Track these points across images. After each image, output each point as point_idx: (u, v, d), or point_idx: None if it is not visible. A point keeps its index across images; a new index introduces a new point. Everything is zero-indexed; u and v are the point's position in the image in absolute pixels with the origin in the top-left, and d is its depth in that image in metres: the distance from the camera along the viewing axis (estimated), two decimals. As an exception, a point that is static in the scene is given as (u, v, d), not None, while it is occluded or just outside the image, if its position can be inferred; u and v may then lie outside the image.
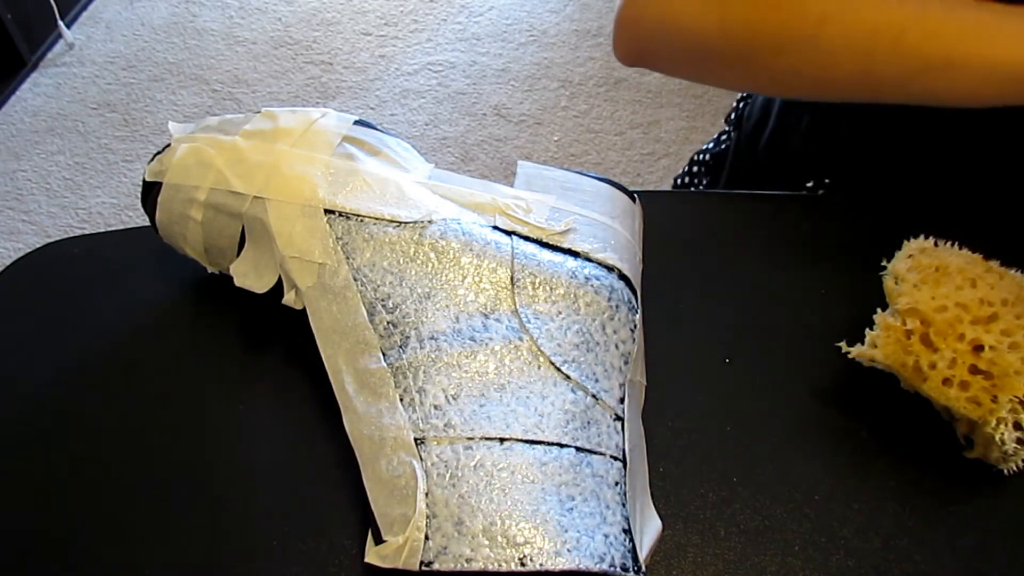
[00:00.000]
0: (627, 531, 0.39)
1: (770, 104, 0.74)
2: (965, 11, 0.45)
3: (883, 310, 0.46)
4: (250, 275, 0.46)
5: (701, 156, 0.84)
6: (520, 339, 0.43)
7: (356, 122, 0.49)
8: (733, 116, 0.80)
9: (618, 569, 0.37)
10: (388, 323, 0.43)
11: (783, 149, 0.72)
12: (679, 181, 0.86)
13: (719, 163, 0.81)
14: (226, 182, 0.46)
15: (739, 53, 0.51)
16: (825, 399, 0.47)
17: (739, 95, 0.81)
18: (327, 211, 0.45)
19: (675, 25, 0.52)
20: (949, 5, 0.46)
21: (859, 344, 0.45)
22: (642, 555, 0.39)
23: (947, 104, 0.49)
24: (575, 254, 0.46)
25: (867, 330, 0.45)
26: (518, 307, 0.44)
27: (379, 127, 0.50)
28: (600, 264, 0.46)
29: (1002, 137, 0.60)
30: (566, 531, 0.37)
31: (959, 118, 0.61)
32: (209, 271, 0.50)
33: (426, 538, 0.36)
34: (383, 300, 0.43)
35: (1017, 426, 0.41)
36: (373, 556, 0.38)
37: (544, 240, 0.46)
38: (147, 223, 0.51)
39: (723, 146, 0.81)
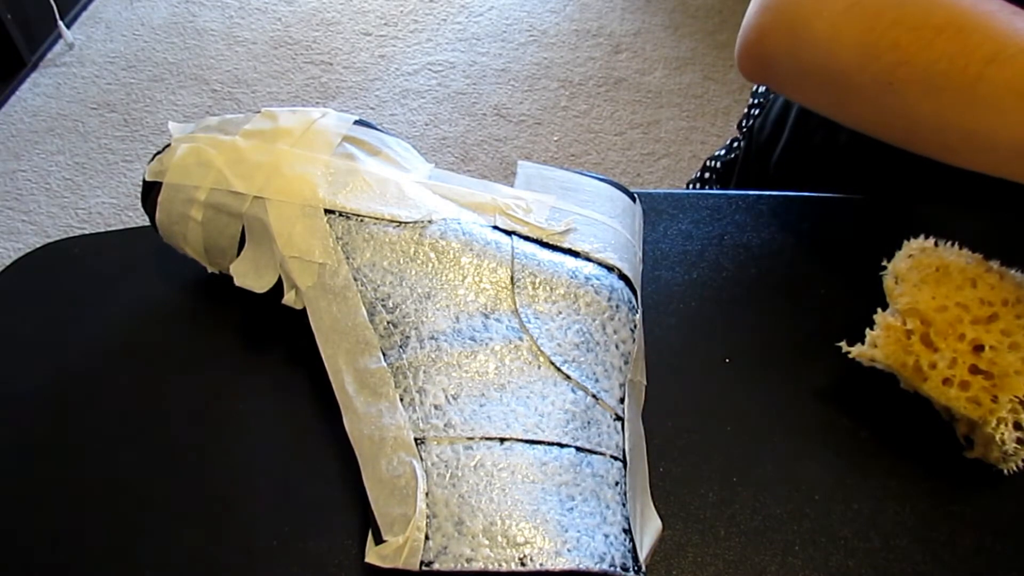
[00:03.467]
0: (627, 531, 0.39)
1: (784, 118, 0.74)
2: None
3: (883, 310, 0.46)
4: (250, 275, 0.46)
5: (712, 163, 0.83)
6: (520, 339, 0.43)
7: (356, 122, 0.49)
8: (744, 125, 0.79)
9: (618, 569, 0.37)
10: (388, 323, 0.43)
11: (796, 165, 0.72)
12: (691, 186, 0.86)
13: (729, 171, 0.81)
14: (226, 182, 0.46)
15: (878, 85, 0.41)
16: (825, 399, 0.47)
17: (748, 101, 0.80)
18: (327, 211, 0.45)
19: (809, 41, 0.43)
20: None
21: (859, 344, 0.45)
22: (642, 555, 0.39)
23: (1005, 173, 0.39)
24: (575, 254, 0.46)
25: (867, 330, 0.45)
26: (518, 307, 0.44)
27: (379, 127, 0.50)
28: (600, 264, 0.46)
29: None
30: (566, 531, 0.37)
31: None
32: (209, 271, 0.50)
33: (426, 538, 0.37)
34: (383, 300, 0.43)
35: (1017, 426, 0.41)
36: (373, 556, 0.38)
37: (544, 240, 0.46)
38: (147, 223, 0.51)
39: (734, 154, 0.81)
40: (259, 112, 0.48)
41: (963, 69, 0.38)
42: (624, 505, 0.39)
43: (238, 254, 0.47)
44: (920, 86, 0.40)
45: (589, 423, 0.41)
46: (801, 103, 0.52)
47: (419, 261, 0.44)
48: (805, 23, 0.43)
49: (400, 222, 0.45)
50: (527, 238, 0.46)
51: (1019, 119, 0.38)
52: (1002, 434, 0.40)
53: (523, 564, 0.36)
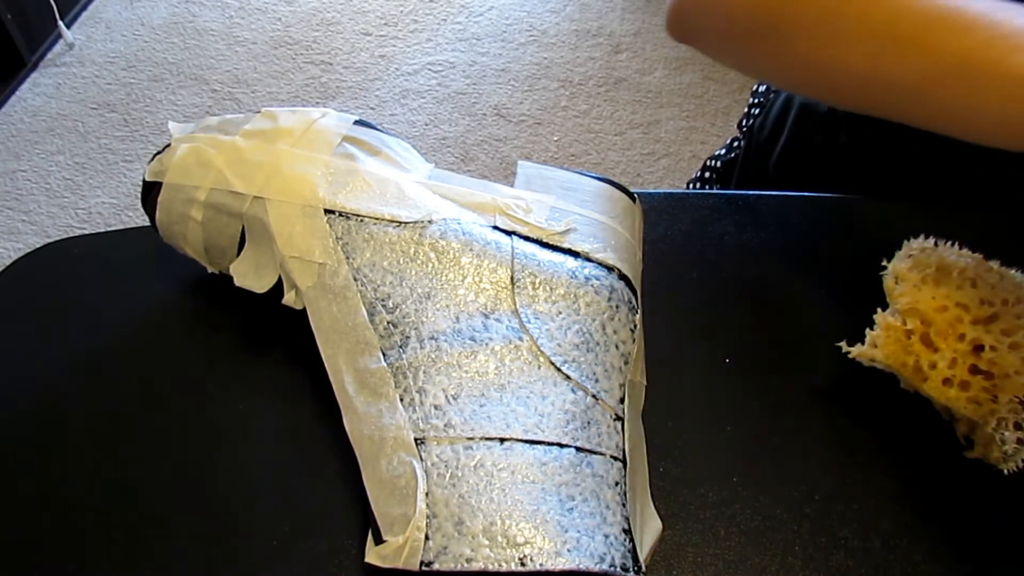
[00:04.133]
0: (627, 531, 0.39)
1: (784, 118, 0.74)
2: (1013, 16, 0.37)
3: (883, 310, 0.46)
4: (250, 275, 0.46)
5: (713, 162, 0.83)
6: (520, 339, 0.43)
7: (356, 122, 0.49)
8: (744, 125, 0.79)
9: (618, 569, 0.37)
10: (388, 323, 0.43)
11: (795, 165, 0.72)
12: (691, 186, 0.86)
13: (729, 171, 0.81)
14: (226, 182, 0.46)
15: (763, 31, 0.46)
16: (825, 399, 0.47)
17: (748, 101, 0.80)
18: (327, 211, 0.45)
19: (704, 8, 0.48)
20: (999, 5, 0.38)
21: (859, 344, 0.45)
22: (642, 555, 0.39)
23: (962, 133, 0.41)
24: (575, 254, 0.46)
25: (867, 330, 0.45)
26: (518, 307, 0.44)
27: (379, 127, 0.50)
28: (600, 264, 0.46)
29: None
30: (566, 531, 0.37)
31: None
32: (209, 271, 0.50)
33: (426, 538, 0.36)
34: (383, 300, 0.43)
35: (1017, 426, 0.41)
36: (373, 556, 0.38)
37: (544, 240, 0.46)
38: (147, 223, 0.51)
39: (734, 154, 0.81)
40: (259, 112, 0.48)
41: (825, 5, 0.42)
42: (624, 505, 0.39)
43: (238, 254, 0.47)
44: (791, 27, 0.44)
45: (589, 423, 0.41)
46: (717, 60, 0.54)
47: (419, 261, 0.44)
48: None
49: (400, 222, 0.45)
50: (527, 238, 0.46)
51: (866, 51, 0.41)
52: (1002, 434, 0.40)
53: (523, 564, 0.36)
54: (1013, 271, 0.46)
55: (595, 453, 0.40)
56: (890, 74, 0.41)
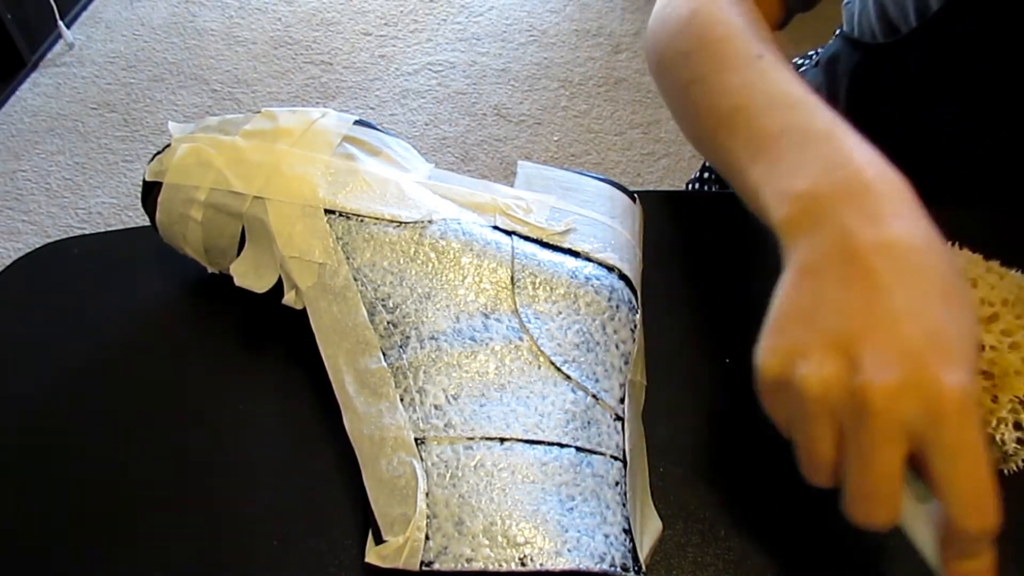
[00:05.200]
0: (627, 531, 0.39)
1: None
2: (775, 115, 0.41)
3: (883, 310, 0.46)
4: (250, 275, 0.46)
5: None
6: (520, 339, 0.43)
7: (356, 122, 0.49)
8: None
9: (618, 569, 0.37)
10: (388, 323, 0.43)
11: None
12: (691, 186, 0.86)
13: None
14: (226, 182, 0.46)
15: (660, 85, 0.53)
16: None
17: None
18: (327, 211, 0.45)
19: (645, 43, 0.56)
20: (777, 100, 0.41)
21: (859, 344, 0.45)
22: (642, 555, 0.39)
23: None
24: (575, 254, 0.46)
25: (867, 330, 0.45)
26: (518, 307, 0.44)
27: (379, 127, 0.50)
28: (600, 264, 0.46)
29: (1002, 137, 0.60)
30: (566, 531, 0.37)
31: (964, 122, 0.61)
32: (209, 271, 0.50)
33: (426, 538, 0.37)
34: (383, 300, 0.43)
35: (1017, 426, 0.41)
36: (373, 556, 0.38)
37: (544, 240, 0.46)
38: (147, 223, 0.51)
39: None
40: (259, 112, 0.48)
41: (679, 86, 0.49)
42: (624, 505, 0.39)
43: (238, 254, 0.47)
44: (667, 94, 0.52)
45: (589, 423, 0.41)
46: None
47: (419, 261, 0.44)
48: (650, 30, 0.54)
49: (400, 222, 0.45)
50: (527, 238, 0.46)
51: (694, 133, 0.49)
52: (1002, 434, 0.40)
53: (523, 564, 0.36)
54: (1013, 271, 0.46)
55: (595, 453, 0.40)
56: (704, 152, 0.48)
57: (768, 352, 0.35)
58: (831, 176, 0.36)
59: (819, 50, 0.77)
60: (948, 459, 0.30)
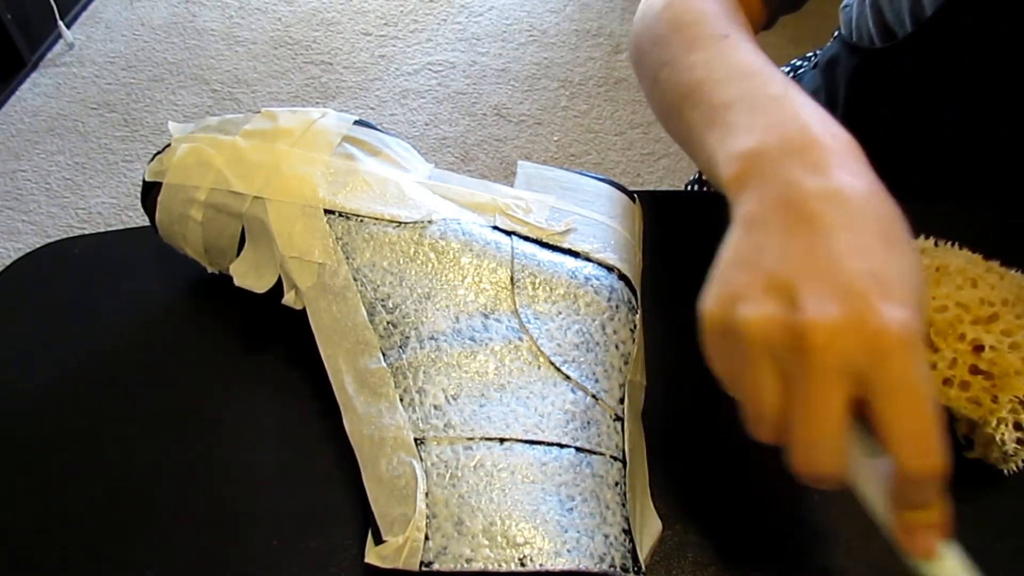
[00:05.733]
0: (627, 531, 0.39)
1: None
2: (732, 85, 0.41)
3: (883, 310, 0.46)
4: (250, 275, 0.46)
5: None
6: (520, 339, 0.43)
7: (356, 122, 0.49)
8: None
9: (618, 569, 0.37)
10: (388, 323, 0.43)
11: None
12: (689, 188, 0.86)
13: None
14: (226, 182, 0.46)
15: (640, 77, 0.54)
16: (825, 399, 0.47)
17: None
18: (327, 211, 0.45)
19: (630, 39, 0.56)
20: (736, 72, 0.42)
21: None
22: (642, 555, 0.39)
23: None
24: (575, 254, 0.46)
25: (867, 330, 0.45)
26: (518, 307, 0.44)
27: (379, 127, 0.50)
28: (600, 264, 0.46)
29: (1002, 137, 0.60)
30: (566, 531, 0.37)
31: (963, 123, 0.61)
32: (209, 271, 0.50)
33: (426, 538, 0.36)
34: (383, 300, 0.43)
35: (1017, 426, 0.41)
36: (373, 556, 0.38)
37: (544, 240, 0.46)
38: (147, 223, 0.51)
39: None
40: (259, 112, 0.48)
41: (651, 70, 0.50)
42: (624, 505, 0.39)
43: (238, 254, 0.47)
44: (643, 79, 0.53)
45: (589, 423, 0.41)
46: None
47: (419, 261, 0.44)
48: (633, 30, 0.55)
49: (400, 222, 0.45)
50: (527, 238, 0.46)
51: (659, 108, 0.50)
52: (1002, 434, 0.40)
53: (523, 564, 0.36)
54: (1013, 271, 0.46)
55: (595, 453, 0.40)
56: (671, 131, 0.49)
57: (710, 299, 0.34)
58: (777, 133, 0.36)
59: (818, 52, 0.77)
60: (890, 397, 0.29)
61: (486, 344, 0.42)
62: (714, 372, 0.35)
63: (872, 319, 0.29)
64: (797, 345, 0.30)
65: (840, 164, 0.34)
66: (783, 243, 0.32)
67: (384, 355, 0.42)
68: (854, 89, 0.67)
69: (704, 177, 0.84)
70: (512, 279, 0.44)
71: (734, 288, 0.33)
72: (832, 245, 0.31)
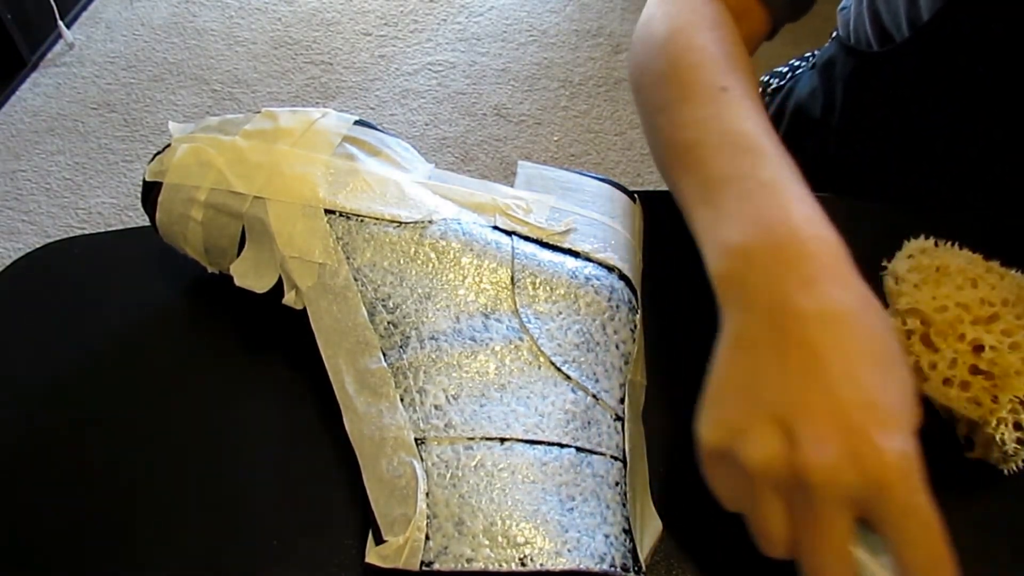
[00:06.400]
0: (627, 531, 0.39)
1: (778, 124, 0.74)
2: (725, 160, 0.41)
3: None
4: (250, 275, 0.46)
5: None
6: (520, 339, 0.43)
7: (356, 122, 0.49)
8: None
9: (618, 569, 0.37)
10: (388, 323, 0.43)
11: None
12: None
13: None
14: (226, 182, 0.46)
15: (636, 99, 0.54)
16: (825, 399, 0.47)
17: None
18: (327, 211, 0.45)
19: (630, 59, 0.55)
20: (729, 142, 0.42)
21: (859, 344, 0.45)
22: (642, 555, 0.39)
23: None
24: (575, 254, 0.46)
25: (867, 330, 0.45)
26: (518, 307, 0.44)
27: (379, 127, 0.50)
28: (600, 264, 0.46)
29: (1000, 138, 0.60)
30: (566, 531, 0.37)
31: (961, 125, 0.61)
32: (209, 271, 0.50)
33: (426, 538, 0.37)
34: (383, 300, 0.43)
35: (1017, 426, 0.41)
36: (373, 556, 0.38)
37: (544, 240, 0.46)
38: (147, 223, 0.51)
39: None
40: (259, 112, 0.48)
41: (649, 114, 0.50)
42: (624, 505, 0.39)
43: (238, 254, 0.47)
44: (642, 114, 0.52)
45: (589, 423, 0.41)
46: None
47: (419, 261, 0.44)
48: (631, 51, 0.55)
49: (400, 222, 0.45)
50: (527, 238, 0.46)
51: (658, 156, 0.49)
52: (1002, 434, 0.40)
53: (523, 564, 0.36)
54: (1013, 271, 0.46)
55: (595, 453, 0.40)
56: (668, 186, 0.47)
57: (708, 425, 0.35)
58: (766, 233, 0.37)
59: (816, 52, 0.77)
60: (897, 525, 0.30)
61: (486, 344, 0.42)
62: (714, 492, 0.36)
63: (871, 454, 0.30)
64: (800, 484, 0.31)
65: (831, 277, 0.35)
66: (777, 370, 0.33)
67: (384, 355, 0.42)
68: (851, 91, 0.67)
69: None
70: (512, 279, 0.44)
71: (731, 416, 0.34)
72: (827, 375, 0.32)
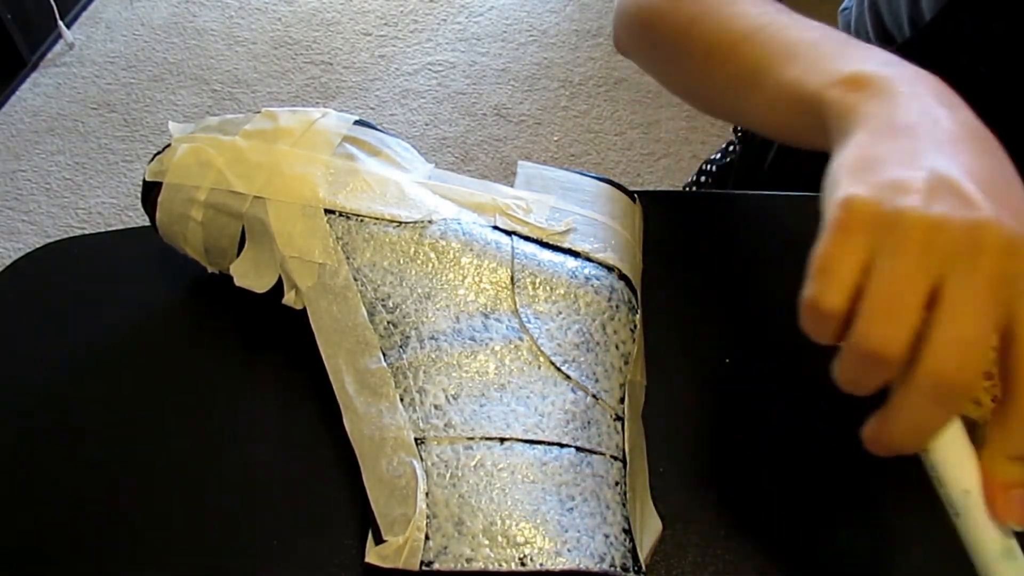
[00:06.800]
0: (627, 531, 0.39)
1: None
2: (806, 31, 0.41)
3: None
4: (250, 275, 0.46)
5: (708, 167, 0.84)
6: (520, 339, 0.43)
7: (356, 122, 0.49)
8: (740, 128, 0.80)
9: (618, 569, 0.37)
10: (388, 323, 0.43)
11: (788, 168, 0.72)
12: (689, 188, 0.86)
13: (725, 176, 0.81)
14: (226, 182, 0.46)
15: (649, 48, 0.54)
16: (825, 399, 0.47)
17: None
18: (327, 211, 0.45)
19: (623, 10, 0.55)
20: (802, 24, 0.42)
21: (859, 344, 0.45)
22: (642, 555, 0.39)
23: (755, 129, 0.46)
24: (575, 254, 0.46)
25: (867, 330, 0.45)
26: (518, 307, 0.44)
27: (379, 127, 0.50)
28: (600, 264, 0.46)
29: (1003, 136, 0.60)
30: (566, 531, 0.37)
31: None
32: (209, 271, 0.50)
33: (426, 538, 0.37)
34: (383, 300, 0.43)
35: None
36: (373, 556, 0.38)
37: (544, 240, 0.46)
38: (147, 223, 0.51)
39: (729, 159, 0.81)
40: (259, 112, 0.48)
41: (681, 27, 0.49)
42: (624, 505, 0.39)
43: (238, 254, 0.47)
44: (664, 45, 0.52)
45: (589, 423, 0.41)
46: (645, 71, 0.60)
47: (419, 261, 0.44)
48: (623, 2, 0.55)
49: (400, 222, 0.45)
50: (527, 238, 0.46)
51: (699, 61, 0.48)
52: (1002, 434, 0.40)
53: (523, 564, 0.36)
54: (1013, 271, 0.46)
55: (595, 453, 0.40)
56: (712, 79, 0.47)
57: (858, 184, 0.30)
58: (895, 68, 0.36)
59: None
60: None
61: (486, 344, 0.42)
62: (824, 273, 0.31)
63: None
64: (973, 247, 0.28)
65: (965, 107, 0.35)
66: (940, 150, 0.31)
67: (384, 355, 0.42)
68: None
69: (703, 180, 0.84)
70: (512, 279, 0.44)
71: (892, 178, 0.30)
72: (995, 167, 0.31)
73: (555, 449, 0.39)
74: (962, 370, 0.28)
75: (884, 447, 0.31)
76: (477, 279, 0.44)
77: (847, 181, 0.31)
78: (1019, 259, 0.28)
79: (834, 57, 0.38)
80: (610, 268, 0.46)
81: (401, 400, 0.41)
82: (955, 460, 0.31)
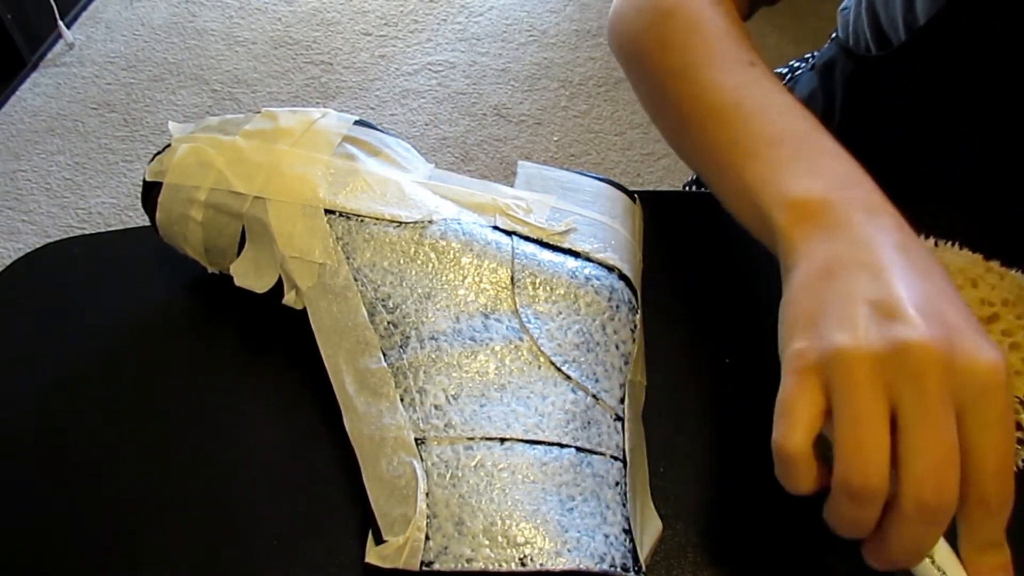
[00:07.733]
0: (627, 531, 0.39)
1: None
2: (770, 122, 0.41)
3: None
4: (250, 275, 0.46)
5: None
6: (520, 339, 0.43)
7: (356, 122, 0.49)
8: None
9: (618, 569, 0.37)
10: (388, 323, 0.43)
11: None
12: (689, 188, 0.86)
13: None
14: (226, 182, 0.46)
15: (631, 71, 0.54)
16: (825, 399, 0.47)
17: None
18: (327, 211, 0.45)
19: (613, 29, 0.56)
20: (771, 107, 0.42)
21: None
22: (642, 555, 0.39)
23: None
24: (575, 254, 0.46)
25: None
26: (518, 307, 0.44)
27: (379, 127, 0.50)
28: (600, 264, 0.46)
29: (997, 142, 0.60)
30: (566, 531, 0.37)
31: (960, 127, 0.61)
32: (209, 271, 0.50)
33: (426, 538, 0.37)
34: (383, 300, 0.43)
35: (1018, 426, 0.41)
36: (373, 556, 0.38)
37: (544, 240, 0.46)
38: (147, 223, 0.51)
39: None
40: (259, 112, 0.48)
41: (658, 78, 0.50)
42: (624, 505, 0.39)
43: (238, 254, 0.47)
44: (645, 82, 0.52)
45: (589, 423, 0.41)
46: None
47: (419, 261, 0.44)
48: (614, 12, 0.55)
49: (400, 222, 0.45)
50: (527, 238, 0.46)
51: (672, 124, 0.49)
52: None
53: (523, 564, 0.36)
54: (1013, 271, 0.46)
55: (595, 453, 0.40)
56: (683, 144, 0.48)
57: (798, 338, 0.33)
58: (848, 190, 0.37)
59: (815, 54, 0.77)
60: (988, 430, 0.30)
61: (486, 344, 0.42)
62: (789, 422, 0.32)
63: (984, 353, 0.30)
64: (917, 371, 0.30)
65: (909, 234, 0.36)
66: (878, 278, 0.33)
67: (384, 355, 0.42)
68: (851, 93, 0.67)
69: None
70: (512, 279, 0.44)
71: (832, 323, 0.32)
72: (930, 287, 0.32)
73: (555, 449, 0.39)
74: (940, 491, 0.30)
75: (886, 565, 0.33)
76: (477, 279, 0.44)
77: (794, 338, 0.33)
78: (961, 375, 0.30)
79: (788, 165, 0.39)
80: (610, 268, 0.46)
81: (401, 400, 0.41)
82: (949, 562, 0.33)
